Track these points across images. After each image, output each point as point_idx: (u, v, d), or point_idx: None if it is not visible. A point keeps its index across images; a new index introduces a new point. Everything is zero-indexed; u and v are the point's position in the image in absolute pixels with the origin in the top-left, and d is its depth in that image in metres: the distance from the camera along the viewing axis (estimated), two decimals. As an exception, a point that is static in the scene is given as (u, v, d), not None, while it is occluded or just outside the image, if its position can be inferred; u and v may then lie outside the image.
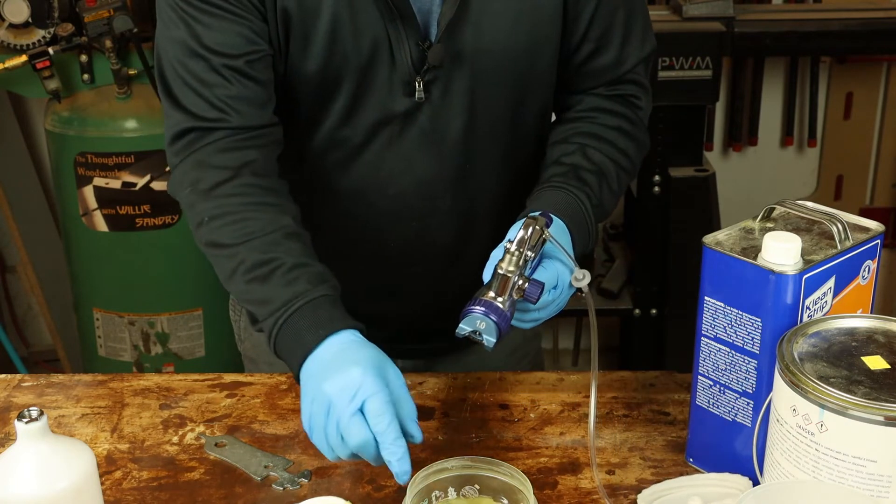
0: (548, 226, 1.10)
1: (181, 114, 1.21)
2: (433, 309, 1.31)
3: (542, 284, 1.07)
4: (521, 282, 1.06)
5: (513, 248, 1.07)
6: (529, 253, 1.07)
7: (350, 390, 1.01)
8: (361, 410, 1.01)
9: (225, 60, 1.19)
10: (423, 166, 1.28)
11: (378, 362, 1.05)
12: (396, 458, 1.00)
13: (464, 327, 1.05)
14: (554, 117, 1.40)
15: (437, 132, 1.27)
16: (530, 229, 1.08)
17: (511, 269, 1.06)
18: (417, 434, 1.05)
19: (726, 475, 1.10)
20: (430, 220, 1.32)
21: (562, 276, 1.11)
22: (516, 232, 1.09)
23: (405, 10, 1.19)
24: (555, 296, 1.11)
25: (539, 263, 1.11)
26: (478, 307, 1.05)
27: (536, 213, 1.11)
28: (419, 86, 1.23)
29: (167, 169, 1.28)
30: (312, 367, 1.07)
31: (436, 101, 1.25)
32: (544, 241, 1.09)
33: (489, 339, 1.05)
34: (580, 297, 1.11)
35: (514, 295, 1.06)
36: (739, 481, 1.09)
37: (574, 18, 1.27)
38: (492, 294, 1.06)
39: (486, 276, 1.09)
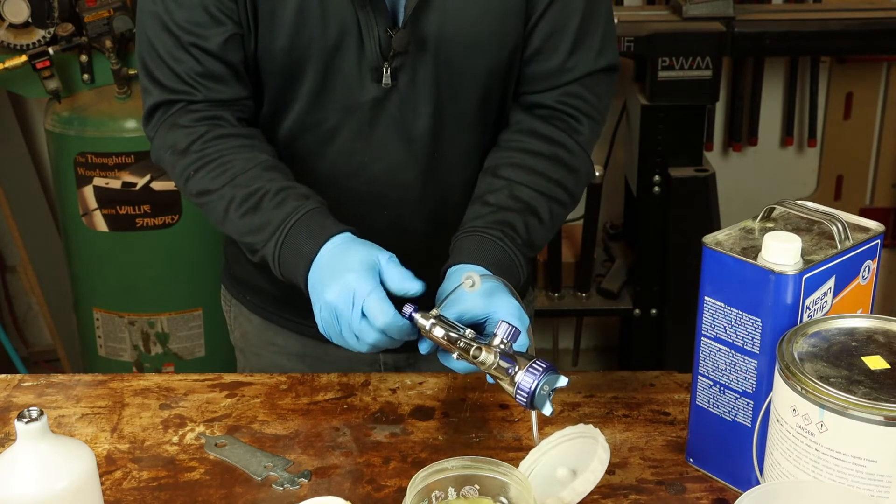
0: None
1: (155, 87, 1.28)
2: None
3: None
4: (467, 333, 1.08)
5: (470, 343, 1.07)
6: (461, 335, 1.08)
7: (348, 296, 1.09)
8: (364, 310, 1.08)
9: (193, 39, 1.24)
10: (393, 154, 1.30)
11: (368, 259, 1.11)
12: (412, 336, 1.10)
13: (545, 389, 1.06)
14: None
15: (406, 120, 1.28)
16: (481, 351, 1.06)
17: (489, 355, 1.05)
18: (416, 288, 1.11)
19: (576, 427, 1.11)
20: (401, 210, 1.34)
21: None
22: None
23: None
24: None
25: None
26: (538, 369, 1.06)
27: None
28: (386, 72, 1.25)
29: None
30: (315, 276, 1.14)
31: (404, 89, 1.27)
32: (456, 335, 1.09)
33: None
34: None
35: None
36: (587, 429, 1.09)
37: (529, 12, 1.28)
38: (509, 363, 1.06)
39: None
